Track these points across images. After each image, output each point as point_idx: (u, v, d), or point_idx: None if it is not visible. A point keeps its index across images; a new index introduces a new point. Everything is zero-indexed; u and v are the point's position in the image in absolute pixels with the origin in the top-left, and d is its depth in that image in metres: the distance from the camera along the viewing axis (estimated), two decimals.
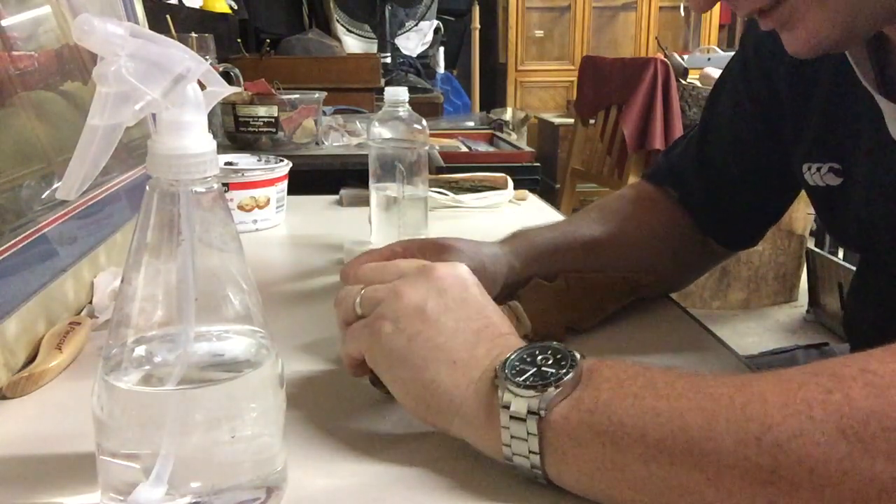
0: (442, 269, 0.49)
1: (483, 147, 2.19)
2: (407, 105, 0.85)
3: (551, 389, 0.41)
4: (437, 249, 0.64)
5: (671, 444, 0.37)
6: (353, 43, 3.35)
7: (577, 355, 0.43)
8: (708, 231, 0.78)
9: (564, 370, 0.42)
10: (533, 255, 0.69)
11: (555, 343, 0.44)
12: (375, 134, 0.85)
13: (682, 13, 4.84)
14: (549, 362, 0.43)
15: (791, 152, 0.69)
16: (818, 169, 0.65)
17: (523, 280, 0.67)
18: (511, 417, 0.41)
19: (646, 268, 0.72)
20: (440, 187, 1.16)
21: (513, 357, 0.43)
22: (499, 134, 2.36)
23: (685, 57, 3.48)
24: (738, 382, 0.39)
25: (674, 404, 0.38)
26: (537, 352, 0.43)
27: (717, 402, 0.37)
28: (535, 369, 0.42)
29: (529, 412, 0.41)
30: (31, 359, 0.57)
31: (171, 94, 0.35)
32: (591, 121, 3.11)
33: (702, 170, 0.76)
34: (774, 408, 0.36)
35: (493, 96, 4.60)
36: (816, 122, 0.65)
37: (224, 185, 0.96)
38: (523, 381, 0.42)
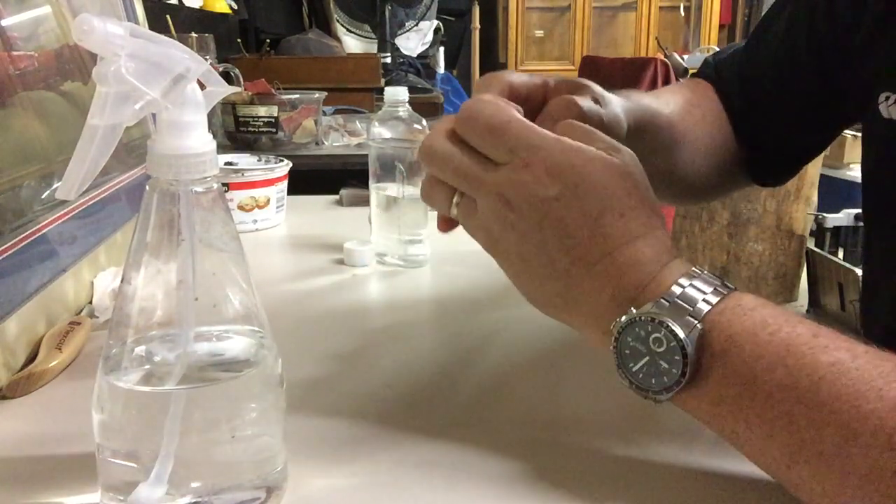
0: (591, 163, 0.42)
1: None
2: (407, 105, 0.85)
3: (662, 395, 0.41)
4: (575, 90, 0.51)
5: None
6: (353, 43, 3.35)
7: (690, 345, 0.39)
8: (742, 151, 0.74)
9: (679, 371, 0.40)
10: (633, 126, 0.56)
11: (668, 321, 0.40)
12: (375, 134, 0.85)
13: (682, 13, 4.84)
14: (663, 349, 0.40)
15: (859, 81, 0.64)
16: None
17: None
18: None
19: (696, 161, 0.67)
20: None
21: (627, 334, 0.41)
22: None
23: (685, 57, 3.49)
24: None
25: (814, 415, 0.36)
26: (650, 328, 0.40)
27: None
28: (647, 358, 0.41)
29: (646, 397, 0.41)
30: (31, 359, 0.57)
31: (171, 93, 0.35)
32: None
33: (743, 84, 0.73)
34: None
35: None
36: None
37: (224, 185, 0.96)
38: (636, 372, 0.41)
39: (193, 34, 1.85)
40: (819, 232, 2.96)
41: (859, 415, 0.35)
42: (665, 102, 0.66)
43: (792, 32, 0.71)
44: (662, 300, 0.40)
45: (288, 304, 0.75)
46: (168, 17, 1.80)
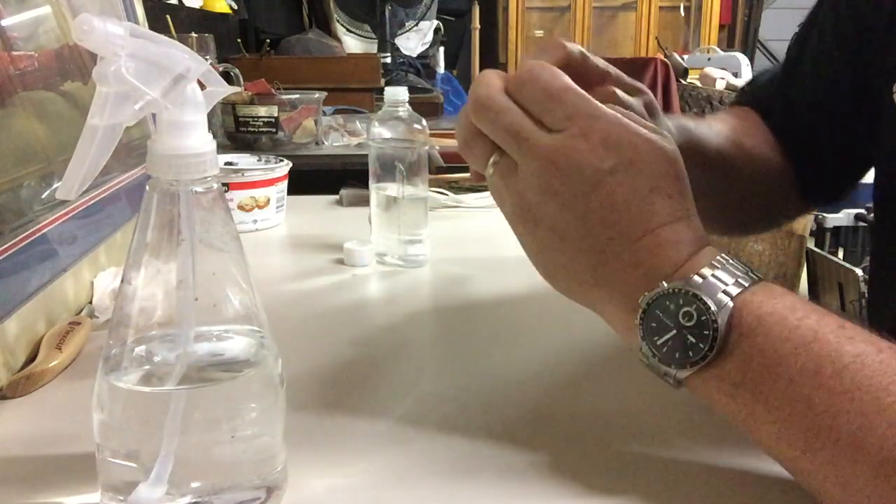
0: (648, 142, 0.42)
1: None
2: (407, 105, 0.85)
3: (685, 370, 0.40)
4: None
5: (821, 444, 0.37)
6: (353, 43, 3.35)
7: (721, 321, 0.39)
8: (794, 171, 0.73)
9: (706, 346, 0.39)
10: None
11: (701, 294, 0.40)
12: (375, 134, 0.85)
13: (682, 13, 4.84)
14: (692, 323, 0.40)
15: (879, 77, 0.63)
16: None
17: None
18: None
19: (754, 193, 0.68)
20: (440, 187, 1.16)
21: (656, 307, 0.41)
22: None
23: (685, 57, 3.49)
24: None
25: (834, 401, 0.36)
26: (681, 301, 0.40)
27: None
28: (674, 332, 0.40)
29: (665, 374, 0.41)
30: (31, 359, 0.57)
31: (171, 93, 0.35)
32: None
33: (786, 103, 0.73)
34: None
35: None
36: None
37: (224, 185, 0.96)
38: (661, 346, 0.41)
39: (193, 34, 1.85)
40: (819, 232, 2.95)
41: (879, 407, 0.35)
42: (715, 132, 0.65)
43: (824, 44, 0.71)
44: (695, 277, 0.41)
45: (288, 304, 0.75)
46: (168, 17, 1.80)
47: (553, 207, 0.42)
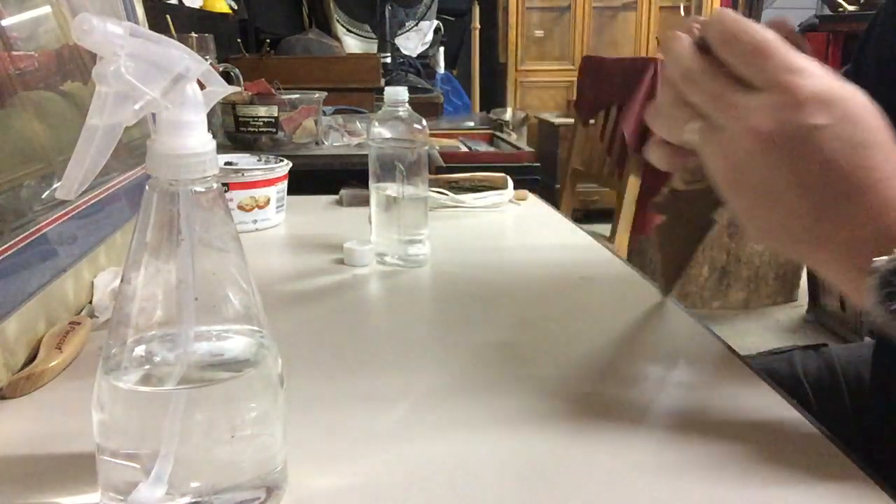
0: (856, 96, 0.41)
1: (483, 147, 2.19)
2: (407, 105, 0.85)
3: None
4: None
5: None
6: (353, 43, 3.35)
7: None
8: None
9: None
10: None
11: None
12: (375, 134, 0.85)
13: (682, 13, 4.84)
14: None
15: None
16: None
17: None
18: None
19: None
20: (440, 187, 1.16)
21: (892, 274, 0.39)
22: (499, 134, 2.36)
23: None
24: None
25: None
26: None
27: None
28: None
29: None
30: (31, 359, 0.57)
31: (171, 93, 0.35)
32: (591, 121, 3.12)
33: None
34: None
35: (493, 96, 4.60)
36: None
37: (224, 185, 0.96)
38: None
39: (193, 34, 1.85)
40: None
41: None
42: None
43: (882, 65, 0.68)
44: None
45: (288, 304, 0.75)
46: (168, 17, 1.80)
47: (765, 168, 0.41)
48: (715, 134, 0.43)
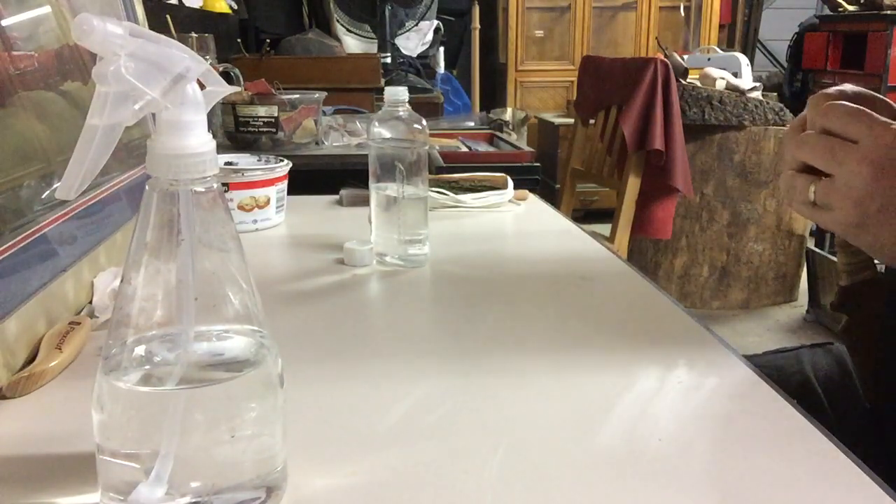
0: None
1: (483, 147, 2.19)
2: (407, 105, 0.85)
3: None
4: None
5: None
6: (353, 43, 3.35)
7: None
8: None
9: None
10: None
11: None
12: (375, 134, 0.85)
13: (682, 13, 4.83)
14: None
15: None
16: None
17: None
18: None
19: None
20: (440, 187, 1.16)
21: None
22: (499, 134, 2.36)
23: (685, 57, 3.48)
24: None
25: None
26: None
27: None
28: None
29: None
30: (31, 359, 0.57)
31: (171, 93, 0.35)
32: (591, 121, 3.12)
33: None
34: None
35: (493, 96, 4.60)
36: None
37: (224, 185, 0.96)
38: None
39: (193, 34, 1.85)
40: (819, 232, 2.95)
41: None
42: None
43: None
44: None
45: (288, 304, 0.75)
46: (168, 17, 1.80)
47: (880, 193, 0.51)
48: (834, 183, 0.53)
